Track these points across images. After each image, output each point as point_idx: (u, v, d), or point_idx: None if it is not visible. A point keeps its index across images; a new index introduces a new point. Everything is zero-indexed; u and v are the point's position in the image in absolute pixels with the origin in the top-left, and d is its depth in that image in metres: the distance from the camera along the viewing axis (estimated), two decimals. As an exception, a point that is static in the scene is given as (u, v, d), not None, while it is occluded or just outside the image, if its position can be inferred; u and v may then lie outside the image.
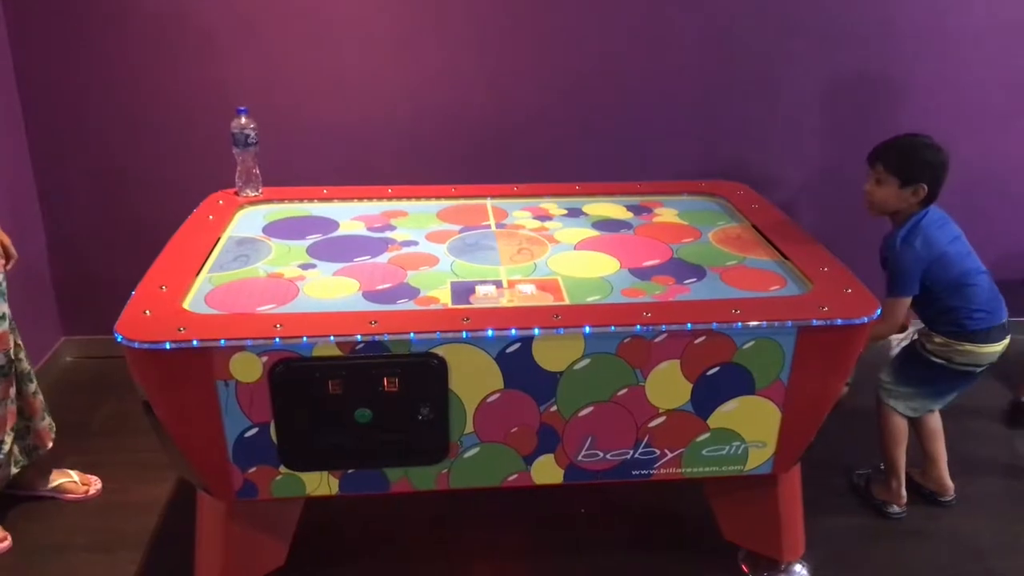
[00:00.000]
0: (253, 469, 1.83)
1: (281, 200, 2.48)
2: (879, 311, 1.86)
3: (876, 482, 2.53)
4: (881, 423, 2.45)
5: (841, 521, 2.44)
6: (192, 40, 2.88)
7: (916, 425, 2.46)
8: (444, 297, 1.91)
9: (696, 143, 3.14)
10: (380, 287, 1.95)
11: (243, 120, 2.36)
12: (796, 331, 1.81)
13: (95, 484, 2.52)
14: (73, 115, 2.96)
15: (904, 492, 2.47)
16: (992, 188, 3.25)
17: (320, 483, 1.87)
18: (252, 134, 2.38)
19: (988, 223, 3.19)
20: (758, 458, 1.97)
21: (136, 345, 1.65)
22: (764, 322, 1.79)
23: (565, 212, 2.47)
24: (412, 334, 1.73)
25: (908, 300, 2.27)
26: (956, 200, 2.38)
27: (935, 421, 2.47)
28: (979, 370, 2.34)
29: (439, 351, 1.74)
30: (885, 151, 2.29)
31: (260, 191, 2.48)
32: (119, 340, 1.67)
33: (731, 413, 1.89)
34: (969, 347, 2.28)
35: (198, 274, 1.97)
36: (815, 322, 1.80)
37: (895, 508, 2.47)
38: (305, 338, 1.70)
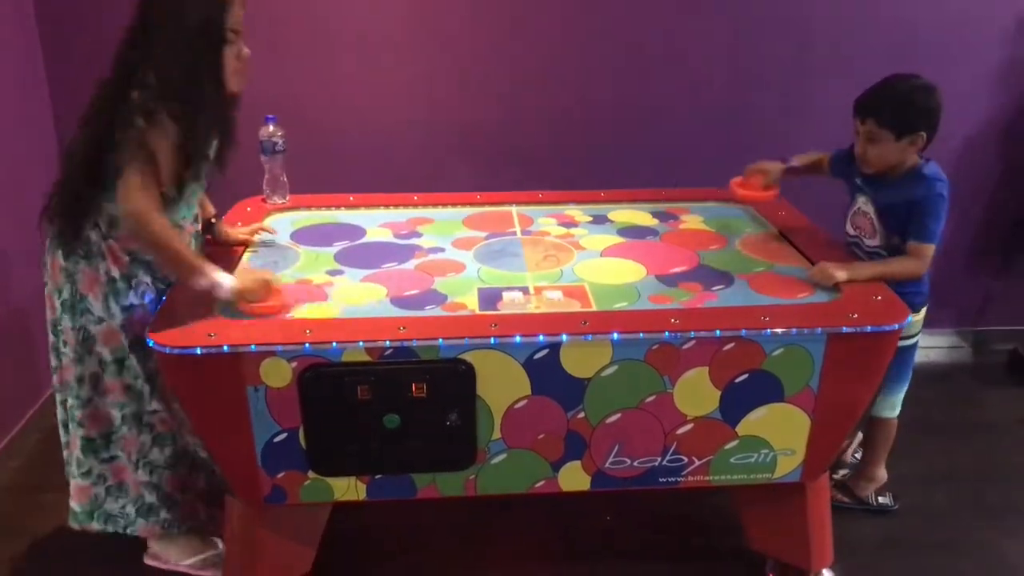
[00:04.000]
0: (282, 474, 1.84)
1: (308, 207, 2.50)
2: (909, 318, 1.85)
3: (857, 483, 2.48)
4: (885, 433, 2.41)
5: (869, 530, 2.41)
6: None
7: (884, 426, 2.40)
8: (471, 303, 1.91)
9: (721, 149, 3.12)
10: (408, 293, 1.96)
11: (271, 128, 2.38)
12: (826, 338, 1.80)
13: None
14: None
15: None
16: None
17: (348, 488, 1.88)
18: (280, 142, 2.40)
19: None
20: (787, 466, 1.95)
21: (168, 350, 1.67)
22: (794, 329, 1.78)
23: (590, 219, 2.47)
24: (440, 340, 1.73)
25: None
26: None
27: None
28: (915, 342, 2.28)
29: (467, 357, 1.75)
30: (874, 105, 2.07)
31: (288, 198, 2.49)
32: (151, 345, 1.69)
33: (760, 421, 1.88)
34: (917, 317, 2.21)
35: (228, 280, 1.98)
36: (845, 329, 1.79)
37: (888, 501, 2.47)
38: (335, 343, 1.71)
